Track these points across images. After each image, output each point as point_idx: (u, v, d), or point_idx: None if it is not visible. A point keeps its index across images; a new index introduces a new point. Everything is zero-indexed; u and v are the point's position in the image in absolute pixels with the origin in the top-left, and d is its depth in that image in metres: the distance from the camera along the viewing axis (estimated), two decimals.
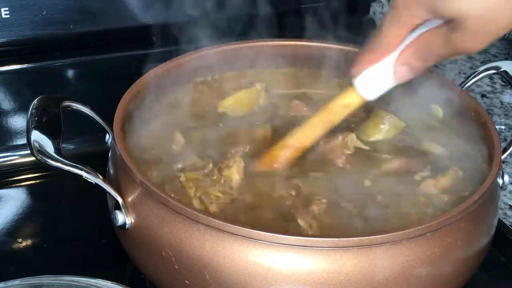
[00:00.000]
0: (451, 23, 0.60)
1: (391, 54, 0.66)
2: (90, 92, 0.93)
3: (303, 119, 0.75)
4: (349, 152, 0.75)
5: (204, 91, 0.85)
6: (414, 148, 0.79)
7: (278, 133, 0.78)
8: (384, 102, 0.87)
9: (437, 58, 0.65)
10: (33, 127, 0.66)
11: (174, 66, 0.81)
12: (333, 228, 0.65)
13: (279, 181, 0.70)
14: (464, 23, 0.59)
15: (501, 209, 0.88)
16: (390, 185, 0.71)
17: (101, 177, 0.66)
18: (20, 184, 0.92)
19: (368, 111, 0.85)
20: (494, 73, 0.82)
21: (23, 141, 0.91)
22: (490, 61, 1.24)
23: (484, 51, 1.28)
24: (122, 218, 0.65)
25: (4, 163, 0.92)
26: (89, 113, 0.75)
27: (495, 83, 1.18)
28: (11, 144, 0.92)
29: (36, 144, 0.65)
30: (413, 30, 0.64)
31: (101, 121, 0.75)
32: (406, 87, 0.85)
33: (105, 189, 0.66)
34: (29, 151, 0.65)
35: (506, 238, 0.81)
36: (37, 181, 0.92)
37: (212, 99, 0.84)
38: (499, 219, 0.71)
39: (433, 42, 0.63)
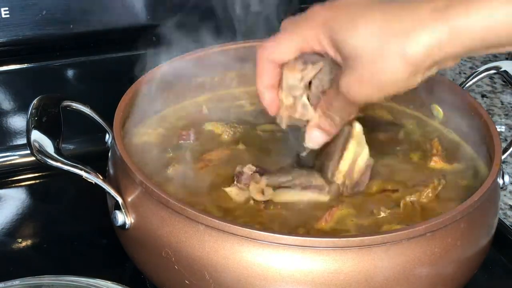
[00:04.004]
0: (343, 66, 0.57)
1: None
2: (90, 92, 0.93)
3: None
4: None
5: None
6: None
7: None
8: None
9: (342, 115, 0.62)
10: (33, 127, 0.66)
11: (174, 66, 0.81)
12: None
13: None
14: (353, 63, 0.55)
15: (501, 209, 0.88)
16: None
17: (101, 177, 0.66)
18: (20, 184, 0.92)
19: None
20: (494, 73, 0.82)
21: (23, 141, 0.91)
22: (490, 61, 1.24)
23: None
24: (122, 218, 0.65)
25: (4, 163, 0.92)
26: (89, 113, 0.75)
27: (495, 83, 1.18)
28: (11, 144, 0.92)
29: (36, 144, 0.65)
30: (298, 55, 0.61)
31: (101, 121, 0.75)
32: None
33: (105, 189, 0.66)
34: (29, 151, 0.65)
35: (506, 238, 0.81)
36: (37, 181, 0.92)
37: None
38: (499, 219, 0.71)
39: (332, 98, 0.61)
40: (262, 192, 0.69)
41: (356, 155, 0.68)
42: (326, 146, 0.69)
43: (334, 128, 0.64)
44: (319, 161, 0.70)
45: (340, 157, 0.68)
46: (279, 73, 0.63)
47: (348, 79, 0.57)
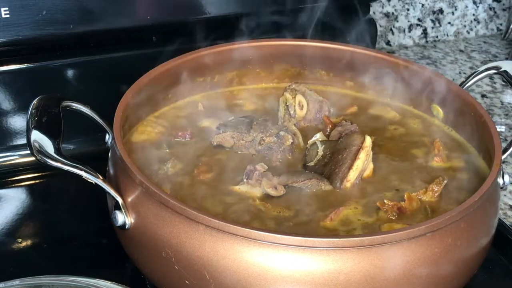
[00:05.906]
0: None
1: None
2: (90, 92, 0.93)
3: None
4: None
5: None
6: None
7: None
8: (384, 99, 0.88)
9: None
10: (33, 127, 0.66)
11: (174, 66, 0.81)
12: None
13: None
14: None
15: (501, 209, 0.88)
16: None
17: (101, 177, 0.66)
18: (20, 184, 0.92)
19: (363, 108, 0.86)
20: (494, 73, 0.82)
21: (23, 141, 0.91)
22: (490, 61, 1.24)
23: (484, 51, 1.28)
24: (122, 218, 0.65)
25: (4, 163, 0.92)
26: (89, 113, 0.75)
27: (495, 83, 1.18)
28: (11, 144, 0.92)
29: (36, 144, 0.65)
30: None
31: (101, 121, 0.75)
32: (406, 86, 0.86)
33: (105, 189, 0.66)
34: (29, 151, 0.65)
35: (506, 238, 0.81)
36: (37, 181, 0.92)
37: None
38: (499, 219, 0.71)
39: None
40: (275, 188, 0.69)
41: (364, 166, 0.72)
42: (334, 156, 0.73)
43: None
44: (328, 169, 0.73)
45: (351, 165, 0.71)
46: None
47: None
